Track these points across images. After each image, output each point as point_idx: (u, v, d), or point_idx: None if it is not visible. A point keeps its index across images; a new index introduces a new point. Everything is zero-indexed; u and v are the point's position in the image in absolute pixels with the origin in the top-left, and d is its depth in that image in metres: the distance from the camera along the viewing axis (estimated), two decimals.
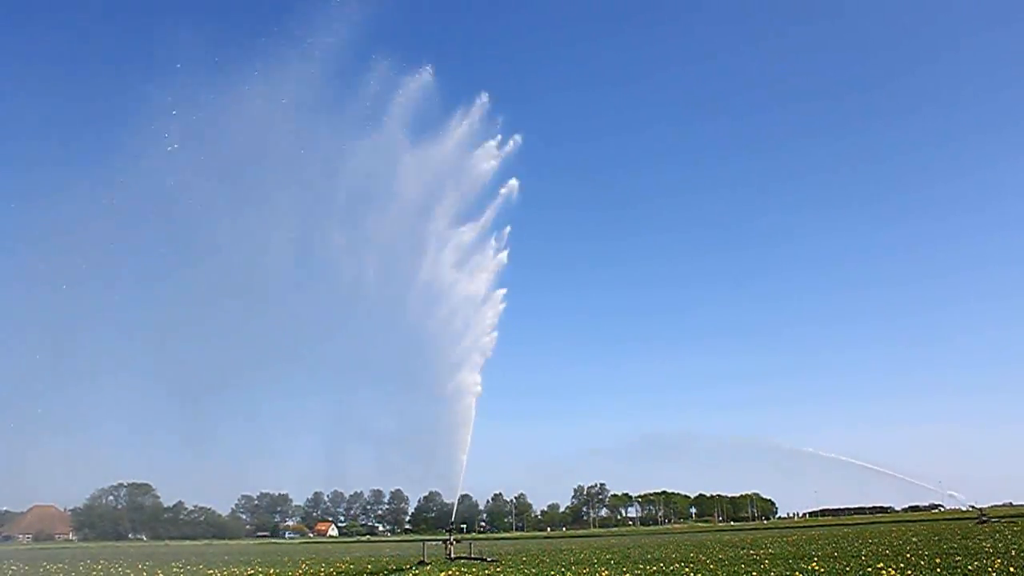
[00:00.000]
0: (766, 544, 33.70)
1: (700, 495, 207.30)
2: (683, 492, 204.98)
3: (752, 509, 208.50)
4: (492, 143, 39.47)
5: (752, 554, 25.07)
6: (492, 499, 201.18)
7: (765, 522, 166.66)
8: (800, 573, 16.29)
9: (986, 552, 20.05)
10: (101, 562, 35.88)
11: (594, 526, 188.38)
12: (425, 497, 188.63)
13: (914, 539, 30.33)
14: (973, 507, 62.74)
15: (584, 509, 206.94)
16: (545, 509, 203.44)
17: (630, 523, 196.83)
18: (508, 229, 39.99)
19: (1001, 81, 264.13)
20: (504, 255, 39.90)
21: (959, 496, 65.42)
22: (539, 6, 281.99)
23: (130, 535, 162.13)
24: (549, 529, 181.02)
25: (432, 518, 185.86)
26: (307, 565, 31.25)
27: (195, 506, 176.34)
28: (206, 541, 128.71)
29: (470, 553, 28.98)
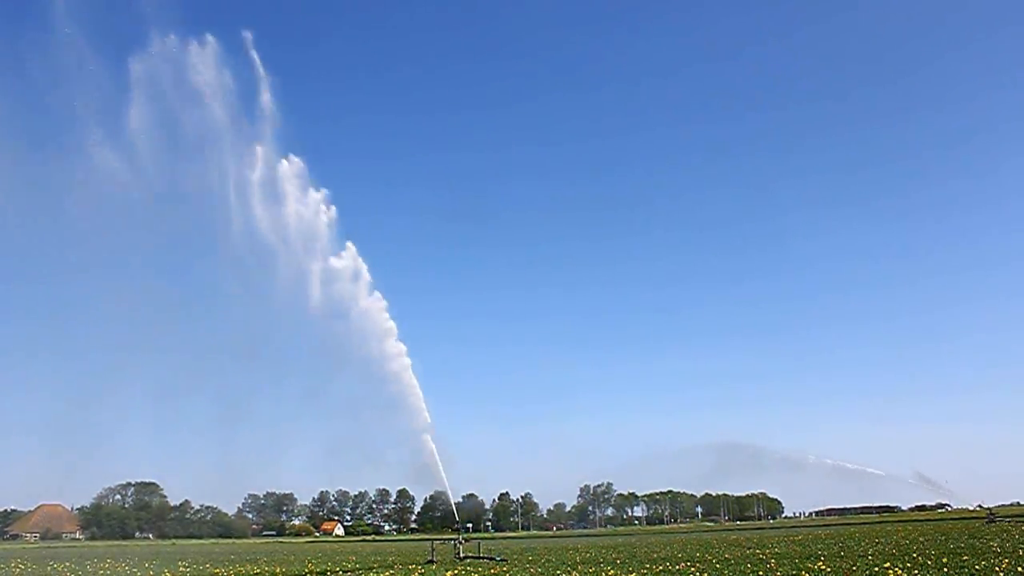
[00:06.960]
0: (772, 543, 33.60)
1: (706, 494, 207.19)
2: (689, 491, 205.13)
3: (758, 508, 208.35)
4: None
5: (758, 554, 25.01)
6: (498, 498, 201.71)
7: (771, 521, 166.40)
8: (806, 572, 16.24)
9: (993, 552, 19.93)
10: (107, 561, 36.04)
11: (600, 525, 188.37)
12: (431, 496, 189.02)
13: (921, 539, 30.20)
14: (981, 507, 62.49)
15: (590, 508, 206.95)
16: (551, 508, 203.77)
17: (636, 522, 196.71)
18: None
19: (1004, 82, 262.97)
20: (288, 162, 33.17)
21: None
22: (540, 5, 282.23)
23: (137, 534, 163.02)
24: (555, 528, 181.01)
25: (438, 517, 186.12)
26: (313, 564, 31.36)
27: (201, 505, 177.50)
28: (212, 540, 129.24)
29: (478, 552, 29.01)
